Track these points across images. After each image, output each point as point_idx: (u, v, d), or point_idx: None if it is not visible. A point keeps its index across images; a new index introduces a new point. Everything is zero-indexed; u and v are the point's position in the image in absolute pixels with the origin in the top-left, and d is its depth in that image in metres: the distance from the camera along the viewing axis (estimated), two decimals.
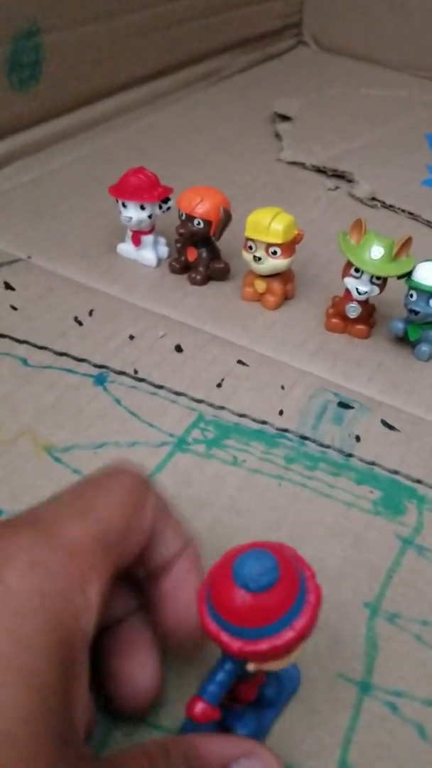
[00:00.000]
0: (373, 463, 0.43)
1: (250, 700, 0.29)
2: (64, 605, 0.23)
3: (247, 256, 0.52)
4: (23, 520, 0.26)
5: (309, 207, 0.67)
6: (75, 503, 0.27)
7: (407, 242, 0.48)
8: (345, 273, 0.50)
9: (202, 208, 0.53)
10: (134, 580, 0.30)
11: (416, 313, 0.48)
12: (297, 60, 1.07)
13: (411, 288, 0.48)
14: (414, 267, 0.48)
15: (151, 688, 0.29)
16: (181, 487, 0.40)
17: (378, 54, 1.04)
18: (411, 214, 0.67)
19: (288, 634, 0.24)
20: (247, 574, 0.24)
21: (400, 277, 0.49)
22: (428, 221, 0.66)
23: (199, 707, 0.26)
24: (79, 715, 0.23)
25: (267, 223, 0.50)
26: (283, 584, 0.25)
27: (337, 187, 0.71)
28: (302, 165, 0.74)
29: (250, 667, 0.26)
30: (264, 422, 0.45)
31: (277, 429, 0.44)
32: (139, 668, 0.29)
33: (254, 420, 0.45)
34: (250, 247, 0.51)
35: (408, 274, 0.48)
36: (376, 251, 0.48)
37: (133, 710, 0.29)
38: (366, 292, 0.49)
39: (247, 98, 0.90)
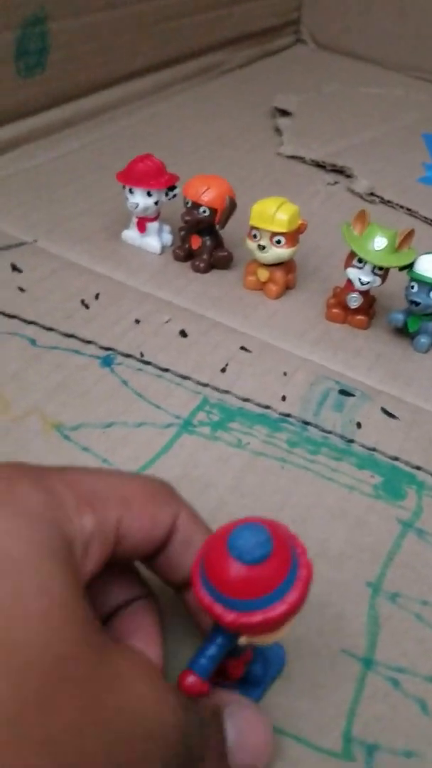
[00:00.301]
0: (373, 449, 0.43)
1: (238, 677, 0.29)
2: (63, 518, 0.25)
3: (251, 244, 0.52)
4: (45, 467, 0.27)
5: (308, 200, 0.68)
6: (95, 468, 0.28)
7: (409, 234, 0.49)
8: (347, 263, 0.50)
9: (209, 196, 0.53)
10: (135, 571, 0.31)
11: (417, 304, 0.48)
12: (295, 57, 1.07)
13: (412, 279, 0.48)
14: (416, 259, 0.48)
15: None
16: (187, 468, 0.40)
17: (375, 53, 1.05)
18: (408, 210, 0.67)
19: (280, 608, 0.25)
20: (242, 547, 0.24)
21: (401, 269, 0.49)
22: (425, 217, 0.66)
23: (190, 680, 0.26)
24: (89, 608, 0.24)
25: (272, 213, 0.50)
26: (276, 558, 0.25)
27: (336, 182, 0.71)
28: (301, 159, 0.74)
29: (242, 640, 0.26)
30: (267, 407, 0.45)
31: (280, 414, 0.45)
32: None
33: (258, 404, 0.45)
34: (255, 236, 0.52)
35: (410, 266, 0.49)
36: (379, 242, 0.48)
37: None
38: (368, 283, 0.50)
39: (246, 93, 0.91)
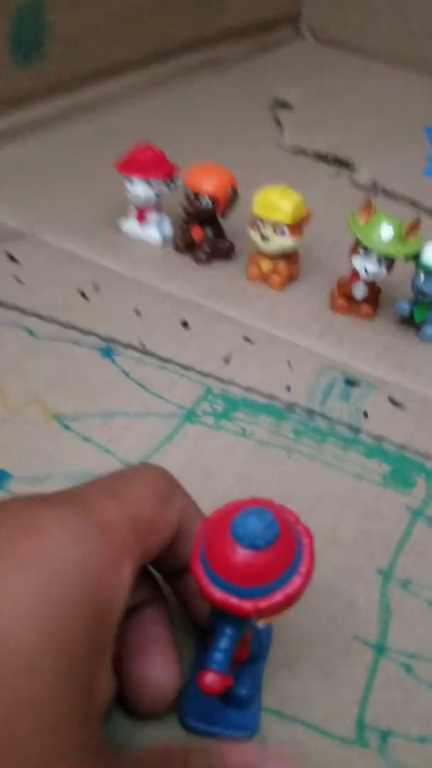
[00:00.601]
0: (381, 439, 0.43)
1: (244, 659, 0.30)
2: (100, 580, 0.24)
3: (255, 234, 0.53)
4: (58, 495, 0.26)
5: (311, 192, 0.67)
6: (108, 487, 0.27)
7: (416, 223, 0.49)
8: (352, 252, 0.51)
9: (210, 185, 0.53)
10: (147, 571, 0.30)
11: (424, 294, 0.49)
12: (294, 51, 1.07)
13: (420, 269, 0.49)
14: (422, 248, 0.49)
15: (173, 686, 0.28)
16: (192, 457, 0.41)
17: (375, 47, 1.06)
18: (413, 201, 0.68)
19: (297, 581, 0.25)
20: (252, 534, 0.24)
21: (408, 258, 0.50)
22: (430, 208, 0.67)
23: (209, 679, 0.26)
24: (101, 694, 0.23)
25: (276, 202, 0.51)
26: (283, 534, 0.25)
27: (338, 174, 0.72)
28: (303, 152, 0.75)
29: (260, 623, 0.26)
30: (272, 397, 0.45)
31: (286, 404, 0.45)
32: (158, 667, 0.28)
33: (262, 394, 0.45)
34: (258, 226, 0.52)
35: (417, 255, 0.49)
36: (386, 231, 0.49)
37: (154, 710, 0.28)
38: (374, 273, 0.50)
39: (245, 87, 0.91)
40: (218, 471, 0.40)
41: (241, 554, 0.24)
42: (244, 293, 0.54)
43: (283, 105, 0.84)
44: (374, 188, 0.70)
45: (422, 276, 0.49)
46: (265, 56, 1.03)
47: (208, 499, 0.37)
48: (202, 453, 0.41)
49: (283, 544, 0.25)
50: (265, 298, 0.54)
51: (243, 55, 1.00)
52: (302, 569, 0.25)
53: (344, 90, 0.93)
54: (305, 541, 0.26)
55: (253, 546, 0.24)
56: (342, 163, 0.73)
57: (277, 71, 0.97)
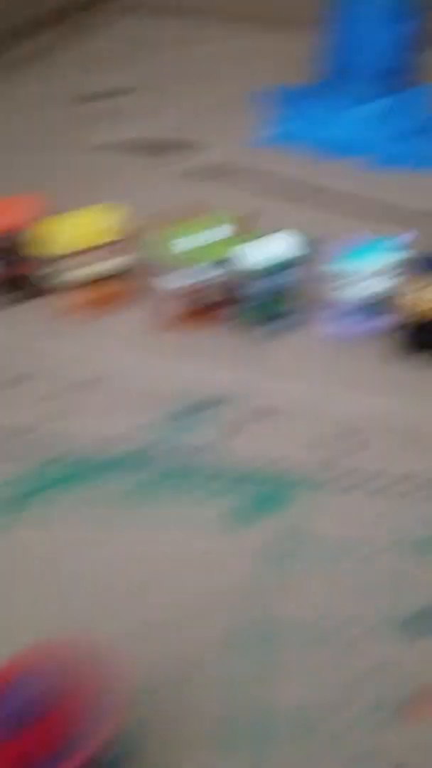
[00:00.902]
0: (239, 463, 0.42)
1: None
2: None
3: (62, 266, 0.51)
4: None
5: (141, 194, 0.65)
6: None
7: (243, 223, 0.48)
8: (158, 272, 0.49)
9: None
10: None
11: (246, 296, 0.48)
12: (123, 29, 1.04)
13: (234, 273, 0.48)
14: (234, 250, 0.48)
15: None
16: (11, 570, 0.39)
17: (209, 8, 1.02)
18: (257, 171, 0.66)
19: (99, 737, 0.24)
20: (12, 715, 0.24)
21: (219, 263, 0.48)
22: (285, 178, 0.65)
23: None
24: None
25: (81, 230, 0.50)
26: (64, 695, 0.24)
27: (168, 164, 0.70)
28: (126, 146, 0.73)
29: None
30: (113, 449, 0.44)
31: (130, 455, 0.43)
32: None
33: (102, 451, 0.44)
34: (62, 258, 0.50)
35: (227, 259, 0.48)
36: (187, 242, 0.48)
37: None
38: (185, 286, 0.49)
39: (65, 79, 0.88)
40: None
41: (14, 738, 0.24)
42: (65, 334, 0.52)
43: (104, 96, 0.81)
44: (209, 171, 0.68)
45: (240, 279, 0.48)
46: (91, 39, 1.00)
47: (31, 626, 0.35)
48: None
49: (68, 703, 0.24)
50: (91, 332, 0.52)
51: (66, 42, 0.96)
52: (105, 722, 0.25)
53: (176, 62, 0.91)
54: (112, 696, 0.25)
55: (18, 726, 0.24)
56: (180, 146, 0.71)
57: (104, 55, 0.94)
